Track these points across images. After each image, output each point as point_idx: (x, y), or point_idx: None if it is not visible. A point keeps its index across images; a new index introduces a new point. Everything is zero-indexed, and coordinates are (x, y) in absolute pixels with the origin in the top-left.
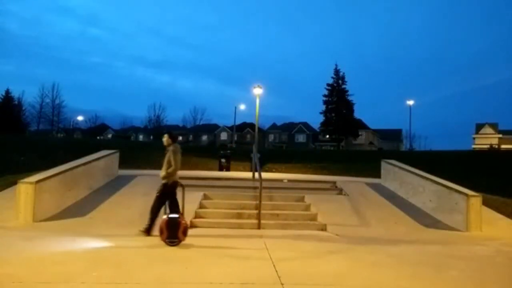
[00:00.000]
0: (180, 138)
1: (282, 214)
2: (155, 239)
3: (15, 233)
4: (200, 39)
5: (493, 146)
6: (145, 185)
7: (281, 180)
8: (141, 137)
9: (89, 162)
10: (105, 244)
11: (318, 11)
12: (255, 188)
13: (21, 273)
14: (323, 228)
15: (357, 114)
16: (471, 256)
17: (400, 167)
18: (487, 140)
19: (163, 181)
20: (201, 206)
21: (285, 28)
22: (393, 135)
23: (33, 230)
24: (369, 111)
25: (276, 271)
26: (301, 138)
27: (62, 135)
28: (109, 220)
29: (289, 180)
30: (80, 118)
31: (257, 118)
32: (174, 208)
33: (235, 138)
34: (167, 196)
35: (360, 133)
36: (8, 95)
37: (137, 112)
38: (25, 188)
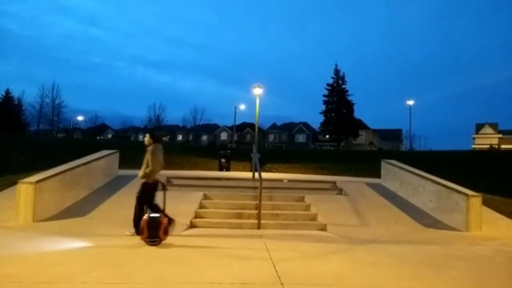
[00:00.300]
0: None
1: (282, 214)
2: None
3: (15, 233)
4: (200, 39)
5: (493, 146)
6: None
7: (281, 180)
8: (141, 137)
9: (89, 162)
10: (105, 244)
11: (318, 11)
12: (255, 188)
13: (21, 273)
14: (323, 228)
15: (357, 114)
16: (471, 256)
17: (400, 167)
18: (487, 140)
19: (142, 181)
20: (201, 206)
21: (285, 28)
22: (393, 135)
23: (33, 230)
24: (369, 111)
25: (276, 271)
26: (301, 138)
27: (62, 135)
28: (109, 220)
29: (289, 180)
30: (80, 118)
31: (257, 118)
32: (155, 207)
33: (235, 138)
34: (147, 195)
35: (360, 133)
36: (8, 95)
37: (137, 112)
38: (25, 188)
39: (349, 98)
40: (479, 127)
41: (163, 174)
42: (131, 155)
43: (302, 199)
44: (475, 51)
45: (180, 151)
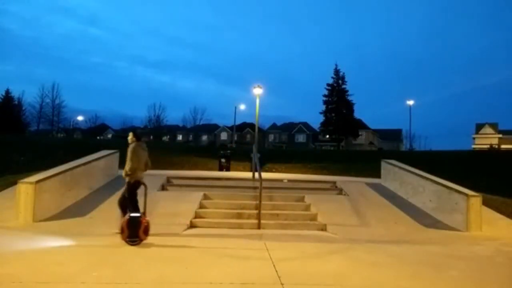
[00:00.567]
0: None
1: (282, 214)
2: (155, 239)
3: (15, 233)
4: (200, 39)
5: (493, 146)
6: None
7: (281, 180)
8: None
9: (89, 162)
10: (105, 244)
11: (318, 11)
12: (255, 188)
13: (21, 273)
14: (323, 228)
15: (357, 114)
16: (471, 256)
17: (400, 167)
18: (487, 140)
19: (126, 180)
20: (201, 206)
21: (285, 28)
22: (393, 135)
23: (33, 230)
24: (369, 111)
25: (276, 271)
26: (301, 138)
27: (62, 135)
28: (109, 220)
29: (289, 180)
30: (80, 118)
31: (257, 118)
32: (136, 207)
33: (235, 138)
34: (128, 194)
35: (360, 133)
36: (8, 95)
37: (137, 112)
38: (25, 188)
39: (349, 98)
40: (479, 127)
41: (163, 174)
42: None
43: (302, 199)
44: (475, 51)
45: (180, 151)
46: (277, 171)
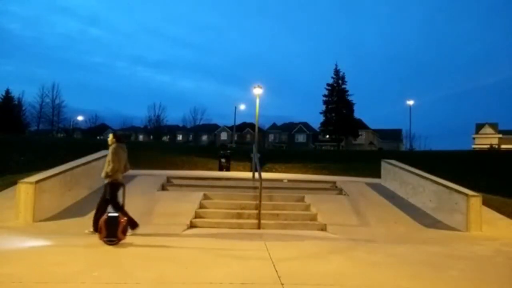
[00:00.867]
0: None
1: (282, 214)
2: (155, 239)
3: (15, 233)
4: (200, 39)
5: (493, 146)
6: (144, 185)
7: (281, 180)
8: (141, 137)
9: (89, 162)
10: (104, 244)
11: (318, 11)
12: (255, 188)
13: (21, 273)
14: (323, 228)
15: (357, 114)
16: (471, 256)
17: (400, 167)
18: (487, 140)
19: (106, 181)
20: (201, 206)
21: (285, 28)
22: (393, 135)
23: (33, 230)
24: (369, 111)
25: (276, 271)
26: (301, 138)
27: (62, 135)
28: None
29: (289, 180)
30: (80, 118)
31: (257, 118)
32: (117, 207)
33: (235, 138)
34: (109, 195)
35: (360, 133)
36: (8, 95)
37: (137, 112)
38: (25, 188)
39: (349, 98)
40: (479, 127)
41: (163, 174)
42: (131, 155)
43: (302, 199)
44: (475, 51)
45: (180, 151)
46: (277, 171)
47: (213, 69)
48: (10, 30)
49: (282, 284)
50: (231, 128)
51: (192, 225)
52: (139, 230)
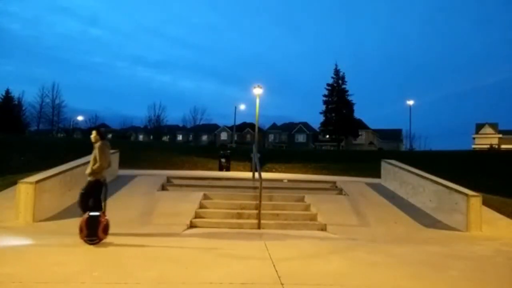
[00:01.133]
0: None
1: (282, 214)
2: (155, 239)
3: (15, 233)
4: (200, 39)
5: (493, 146)
6: (145, 185)
7: (281, 180)
8: (141, 137)
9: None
10: (105, 244)
11: (318, 11)
12: (255, 188)
13: (21, 273)
14: (323, 228)
15: (357, 114)
16: (471, 256)
17: (400, 167)
18: (487, 140)
19: (89, 178)
20: (201, 206)
21: (285, 28)
22: (393, 135)
23: (33, 230)
24: (369, 111)
25: (276, 271)
26: (301, 138)
27: (62, 135)
28: (109, 220)
29: (289, 180)
30: (80, 118)
31: (257, 118)
32: (99, 206)
33: (235, 138)
34: (93, 193)
35: (360, 133)
36: (8, 95)
37: (137, 112)
38: (25, 188)
39: (349, 98)
40: (479, 127)
41: (163, 174)
42: (131, 155)
43: (302, 199)
44: (475, 51)
45: (180, 151)
46: (277, 171)
47: (213, 69)
48: (10, 30)
49: (282, 284)
50: (231, 128)
51: (192, 225)
52: (139, 230)
